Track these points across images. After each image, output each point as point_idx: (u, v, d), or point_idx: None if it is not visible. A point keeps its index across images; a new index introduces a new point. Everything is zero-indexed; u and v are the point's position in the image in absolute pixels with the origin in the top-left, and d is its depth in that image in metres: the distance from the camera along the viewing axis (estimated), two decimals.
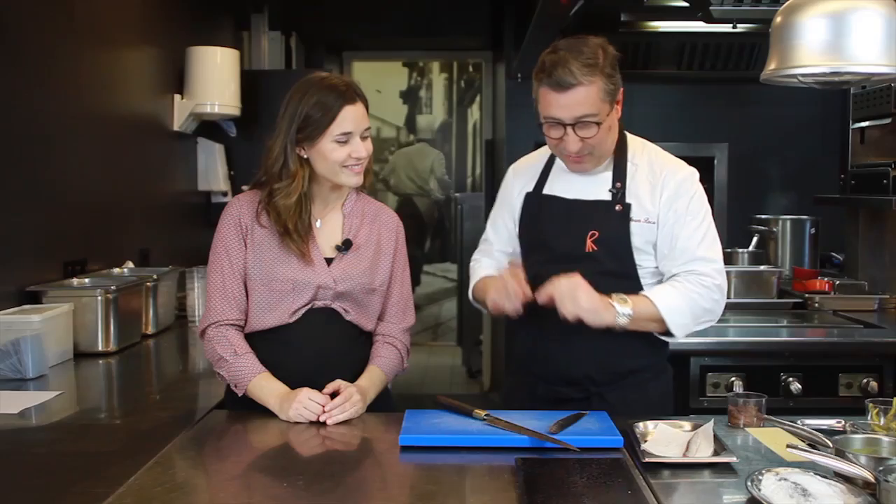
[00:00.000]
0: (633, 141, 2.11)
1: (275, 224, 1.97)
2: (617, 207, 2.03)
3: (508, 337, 2.30)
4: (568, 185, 2.09)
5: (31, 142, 2.75)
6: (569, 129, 1.94)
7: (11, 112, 2.63)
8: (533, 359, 2.13)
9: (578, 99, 1.90)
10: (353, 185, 2.02)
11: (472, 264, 2.29)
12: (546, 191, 2.13)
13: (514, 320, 2.05)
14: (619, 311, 1.92)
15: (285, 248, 1.98)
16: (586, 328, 1.94)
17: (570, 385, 2.08)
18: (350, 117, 1.94)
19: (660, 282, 2.07)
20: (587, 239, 2.02)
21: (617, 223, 2.03)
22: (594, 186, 2.07)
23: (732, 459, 1.61)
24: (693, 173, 2.07)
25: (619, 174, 2.06)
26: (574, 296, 1.89)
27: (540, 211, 2.11)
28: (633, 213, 2.03)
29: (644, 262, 2.04)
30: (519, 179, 2.20)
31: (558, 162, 2.12)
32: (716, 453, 1.63)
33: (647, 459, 1.61)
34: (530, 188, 2.15)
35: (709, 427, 1.68)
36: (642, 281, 2.04)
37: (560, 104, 1.92)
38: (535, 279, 2.01)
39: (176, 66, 3.99)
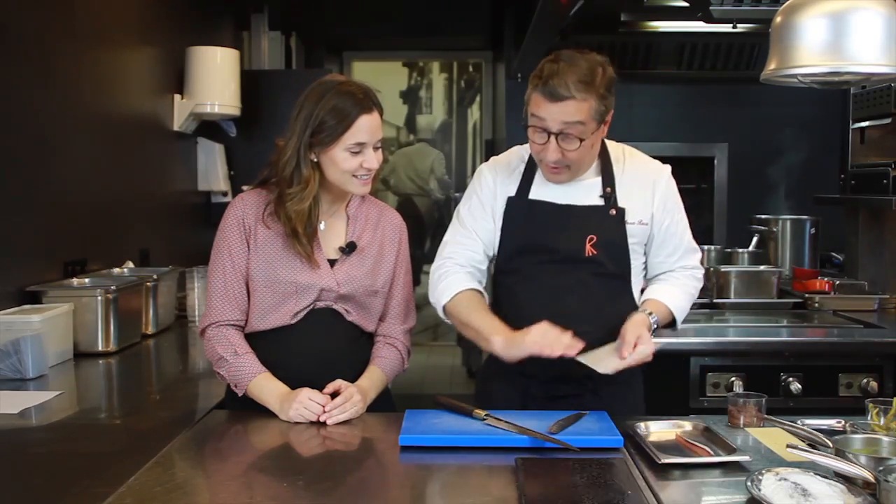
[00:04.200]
0: (613, 146, 2.15)
1: (284, 226, 1.97)
2: (612, 212, 2.06)
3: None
4: (556, 191, 2.08)
5: (32, 142, 2.75)
6: (552, 139, 1.95)
7: (12, 112, 2.63)
8: (529, 361, 2.03)
9: (569, 112, 1.91)
10: (360, 193, 2.02)
11: (439, 273, 2.12)
12: (533, 196, 2.10)
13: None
14: (653, 322, 2.04)
15: (289, 250, 1.97)
16: (587, 329, 1.96)
17: (566, 383, 2.08)
18: (365, 127, 1.93)
19: (645, 276, 2.17)
20: (586, 243, 2.04)
21: (614, 227, 2.06)
22: (584, 192, 2.08)
23: (745, 458, 1.62)
24: (669, 169, 2.16)
25: (608, 179, 2.09)
26: (649, 337, 1.95)
27: (530, 216, 2.10)
28: (627, 216, 2.07)
29: (634, 262, 2.11)
30: (498, 180, 2.14)
31: None
32: (719, 453, 1.64)
33: (663, 461, 1.61)
34: (512, 192, 2.12)
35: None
36: (632, 279, 2.12)
37: (549, 112, 1.93)
38: (531, 280, 2.06)
39: (176, 66, 3.99)
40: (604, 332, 2.01)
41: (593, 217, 2.06)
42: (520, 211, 2.10)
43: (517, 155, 2.17)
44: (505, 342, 1.94)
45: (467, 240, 2.14)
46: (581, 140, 1.94)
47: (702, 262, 2.24)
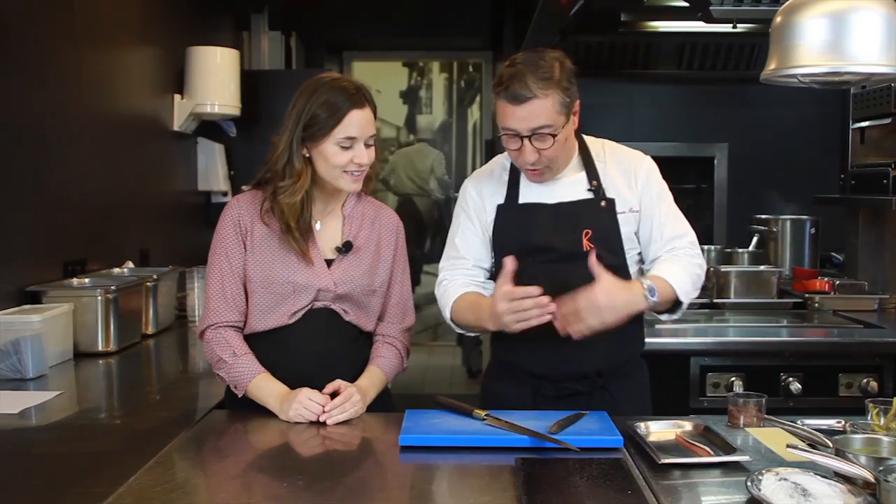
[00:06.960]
0: (592, 141, 2.17)
1: (278, 221, 1.97)
2: (602, 203, 2.08)
3: (495, 343, 2.22)
4: (544, 192, 2.10)
5: (31, 142, 2.75)
6: (525, 141, 1.97)
7: (12, 112, 2.63)
8: (539, 361, 2.10)
9: (534, 111, 1.93)
10: (351, 190, 2.02)
11: (442, 285, 2.18)
12: (522, 200, 2.13)
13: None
14: (646, 285, 1.96)
15: (286, 249, 1.97)
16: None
17: (577, 380, 2.10)
18: (356, 122, 1.93)
19: (641, 266, 2.16)
20: (583, 238, 2.06)
21: (607, 219, 2.08)
22: (571, 188, 2.10)
23: (745, 458, 1.62)
24: (652, 161, 2.17)
25: (592, 173, 2.11)
26: (596, 307, 1.88)
27: (523, 220, 2.11)
28: (617, 206, 2.09)
29: (629, 252, 2.12)
30: (483, 192, 2.17)
31: None
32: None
33: (663, 461, 1.61)
34: (500, 200, 2.14)
35: None
36: (630, 269, 2.12)
37: (516, 116, 1.95)
38: (533, 280, 2.02)
39: (176, 66, 3.99)
40: (616, 329, 1.99)
41: (585, 211, 2.08)
42: (511, 217, 2.12)
43: (499, 163, 2.20)
44: (491, 316, 1.96)
45: (459, 260, 2.18)
46: (553, 136, 1.96)
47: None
